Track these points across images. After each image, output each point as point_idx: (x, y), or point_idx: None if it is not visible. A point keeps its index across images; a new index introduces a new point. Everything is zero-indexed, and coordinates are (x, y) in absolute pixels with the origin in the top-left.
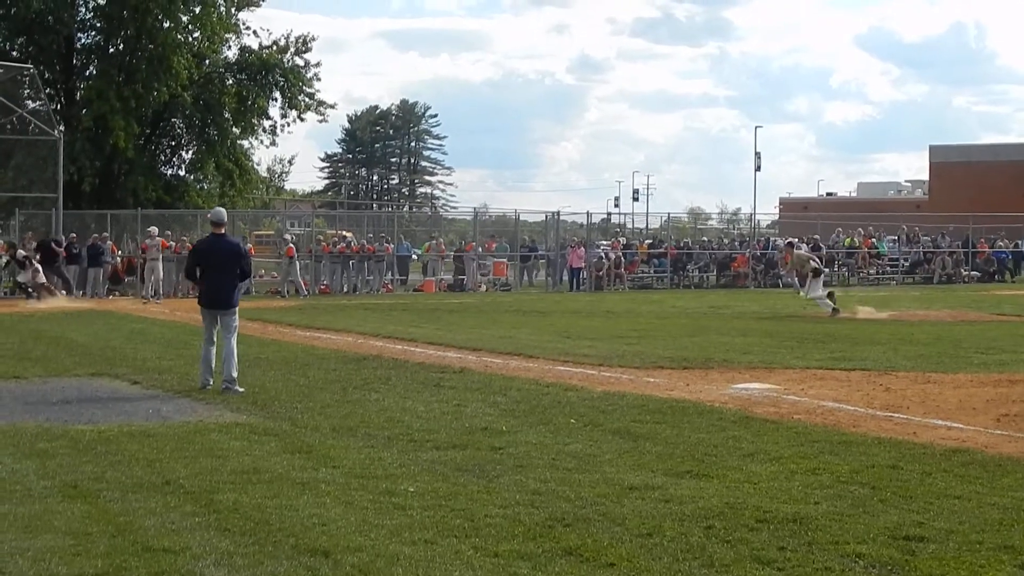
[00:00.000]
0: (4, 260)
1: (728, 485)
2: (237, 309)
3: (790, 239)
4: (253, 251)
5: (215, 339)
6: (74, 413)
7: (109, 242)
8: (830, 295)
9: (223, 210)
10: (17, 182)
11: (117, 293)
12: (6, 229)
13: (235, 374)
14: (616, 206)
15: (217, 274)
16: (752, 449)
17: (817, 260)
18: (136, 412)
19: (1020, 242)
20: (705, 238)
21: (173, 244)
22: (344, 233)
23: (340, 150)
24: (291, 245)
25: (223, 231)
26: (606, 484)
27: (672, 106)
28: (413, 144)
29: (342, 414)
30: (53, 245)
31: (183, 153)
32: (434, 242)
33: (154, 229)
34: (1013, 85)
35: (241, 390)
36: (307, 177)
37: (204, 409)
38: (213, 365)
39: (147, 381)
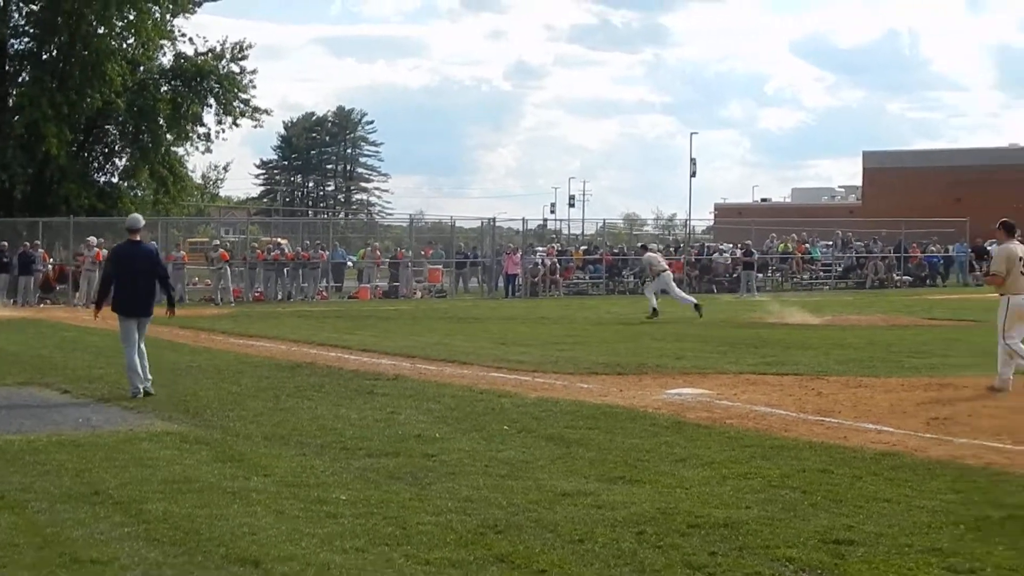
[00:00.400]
0: None
1: (660, 490)
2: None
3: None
4: (187, 258)
5: (136, 344)
6: (2, 422)
7: (41, 250)
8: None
9: (139, 216)
10: None
11: (48, 301)
12: None
13: (150, 378)
14: (552, 212)
15: (137, 281)
16: (684, 454)
17: (663, 264)
18: (66, 421)
19: (951, 247)
20: (640, 244)
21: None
22: (279, 240)
23: (276, 157)
24: (224, 251)
25: (139, 238)
26: (538, 490)
27: (608, 112)
28: (349, 151)
29: (274, 422)
30: None
31: (117, 160)
32: (369, 249)
33: (92, 239)
34: (945, 92)
35: (152, 391)
36: (242, 184)
37: (135, 418)
38: (140, 371)
39: (77, 390)
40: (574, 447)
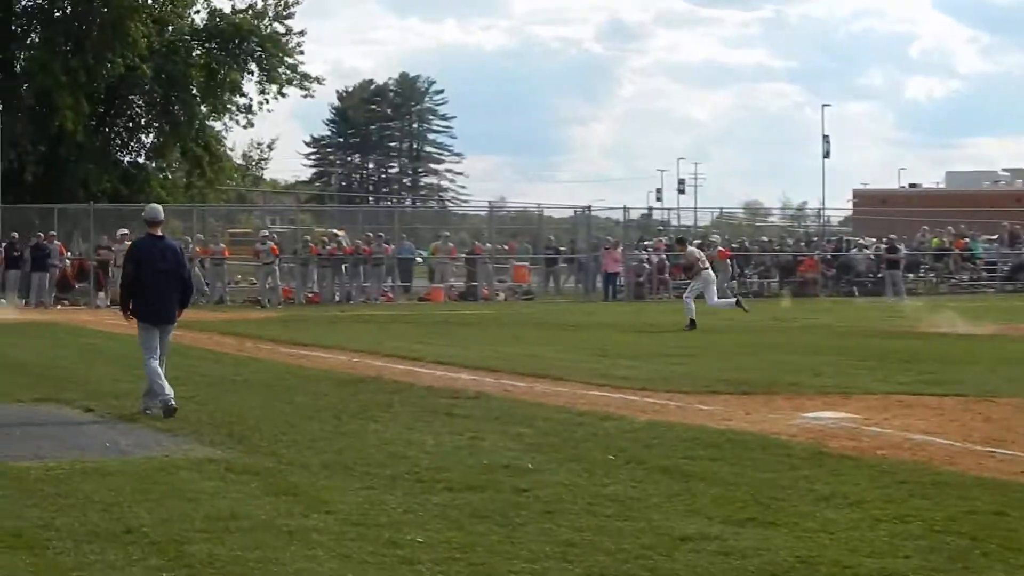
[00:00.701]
0: None
1: (799, 535)
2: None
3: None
4: (228, 252)
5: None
6: (16, 446)
7: (57, 242)
8: (738, 300)
9: (159, 207)
10: None
11: (66, 302)
12: None
13: (173, 392)
14: (658, 199)
15: (161, 283)
16: (827, 491)
17: (706, 261)
18: (90, 445)
19: None
20: (765, 237)
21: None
22: (335, 232)
23: (329, 133)
24: (273, 245)
25: (160, 232)
26: (652, 533)
27: (722, 80)
28: (415, 126)
29: (335, 448)
30: None
31: (143, 136)
32: (442, 242)
33: (125, 230)
34: None
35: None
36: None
37: (171, 441)
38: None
39: (103, 408)
40: (693, 481)
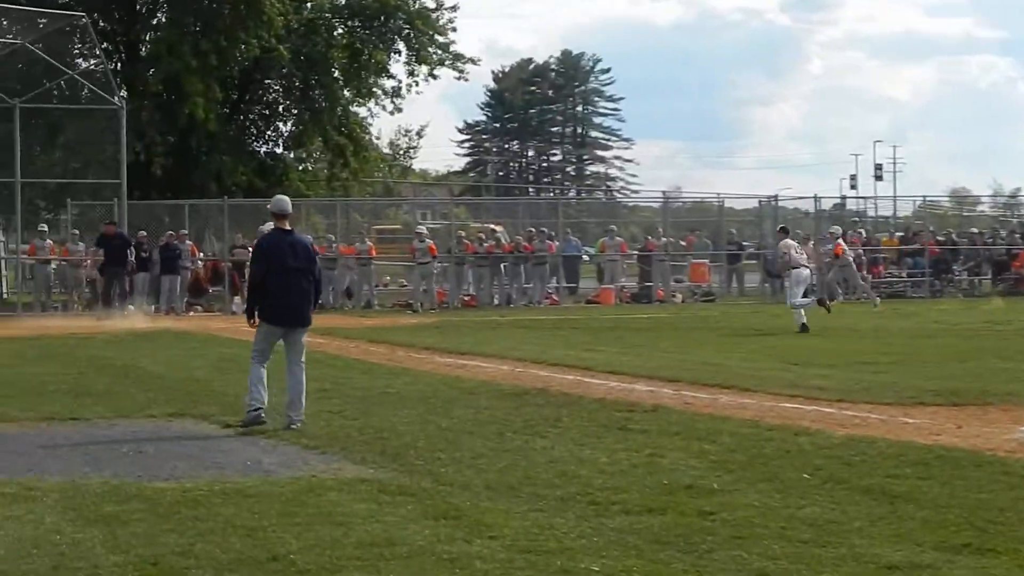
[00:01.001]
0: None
1: (1023, 563)
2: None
3: (782, 225)
4: (375, 251)
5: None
6: (150, 466)
7: (188, 242)
8: (820, 301)
9: (286, 198)
10: (67, 165)
11: (199, 308)
12: (54, 226)
13: (302, 411)
14: (852, 187)
15: (292, 282)
16: None
17: (798, 252)
18: (230, 464)
19: None
20: (975, 229)
21: None
22: (493, 227)
23: (484, 118)
24: (431, 243)
25: (289, 225)
26: (855, 561)
27: (923, 53)
28: (579, 109)
29: (499, 467)
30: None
31: (280, 125)
32: (611, 238)
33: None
34: None
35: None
36: (442, 153)
37: (318, 460)
38: (265, 391)
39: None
40: (900, 503)
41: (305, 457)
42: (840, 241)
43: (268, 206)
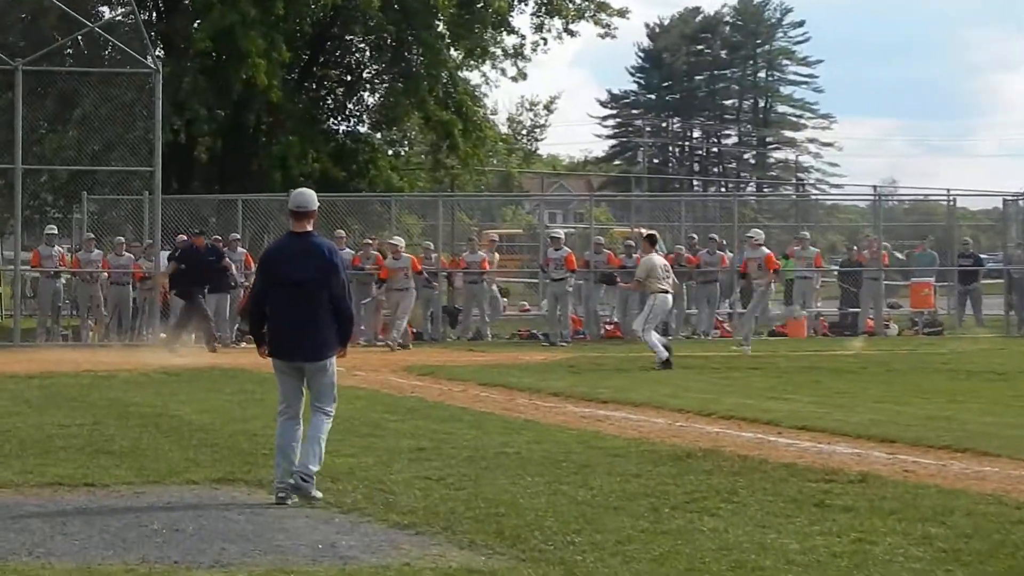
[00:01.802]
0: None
1: None
2: (333, 362)
3: (650, 231)
4: (488, 264)
5: (300, 414)
6: (189, 548)
7: (241, 249)
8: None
9: (307, 192)
10: (84, 147)
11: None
12: (65, 228)
13: (313, 469)
14: None
15: (293, 301)
16: None
17: (666, 272)
18: (295, 547)
19: None
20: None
21: (357, 254)
22: (644, 231)
23: (635, 87)
24: (568, 251)
25: (309, 227)
26: None
27: None
28: (763, 76)
29: (654, 554)
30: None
31: (365, 95)
32: (802, 247)
33: (342, 233)
34: None
35: (318, 495)
36: (579, 135)
37: (412, 542)
38: (295, 459)
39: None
40: None
41: (395, 539)
42: (770, 252)
43: (290, 201)
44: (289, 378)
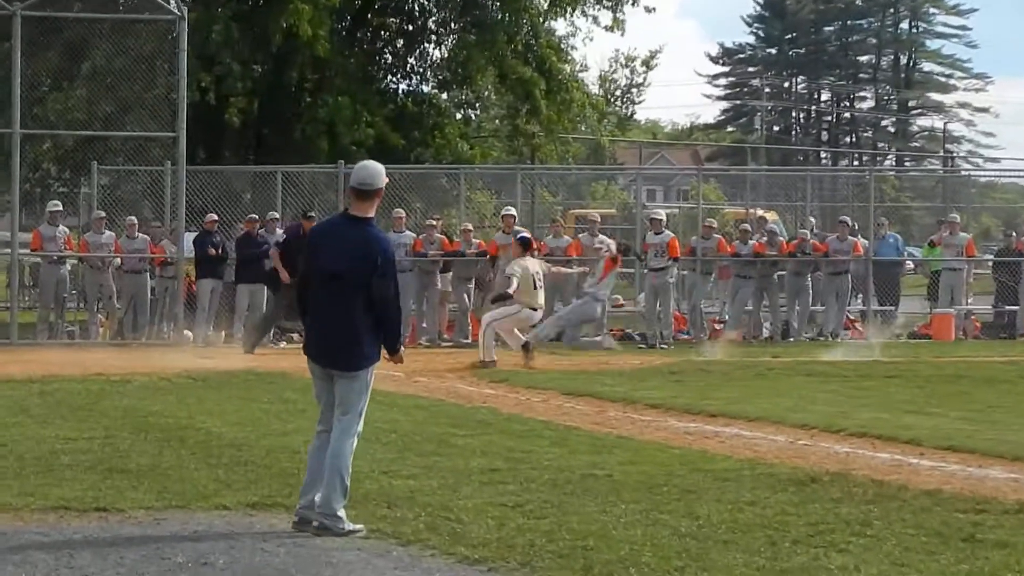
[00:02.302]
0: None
1: None
2: (369, 373)
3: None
4: (576, 250)
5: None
6: None
7: (280, 231)
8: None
9: (373, 165)
10: (97, 107)
11: (297, 336)
12: (71, 201)
13: (338, 505)
14: None
15: (324, 295)
16: None
17: (540, 283)
18: None
19: None
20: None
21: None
22: (762, 214)
23: (752, 41)
24: (671, 236)
25: (372, 211)
26: None
27: None
28: (905, 27)
29: None
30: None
31: (429, 48)
32: (949, 233)
33: (402, 213)
34: None
35: (357, 528)
36: (684, 96)
37: None
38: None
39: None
40: None
41: (460, 575)
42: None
43: (352, 178)
44: (322, 384)
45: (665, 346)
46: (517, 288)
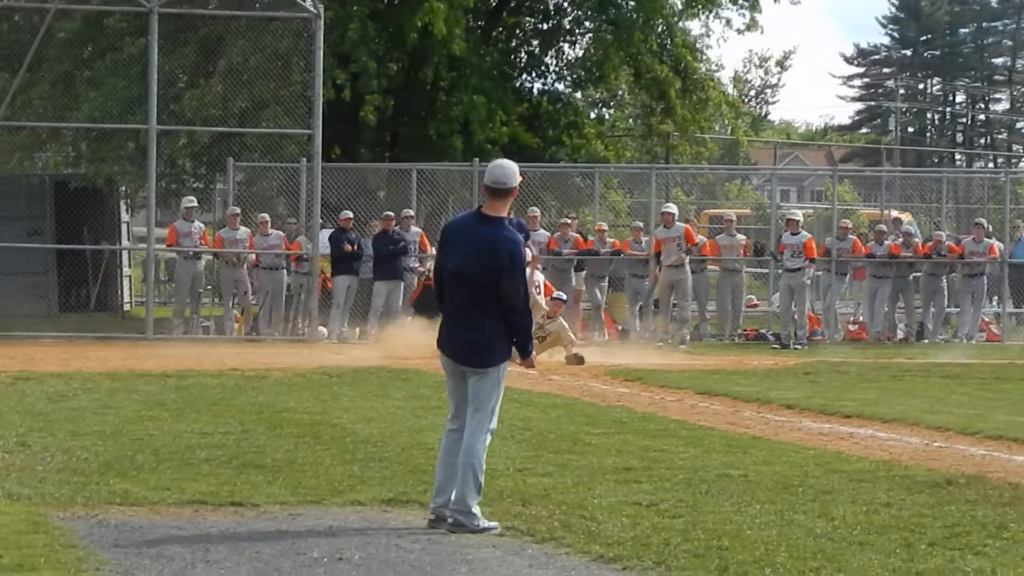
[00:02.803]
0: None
1: None
2: (501, 370)
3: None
4: (710, 249)
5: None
6: None
7: (415, 228)
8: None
9: (509, 165)
10: (232, 104)
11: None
12: (206, 196)
13: (472, 502)
14: None
15: (460, 293)
16: None
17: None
18: None
19: None
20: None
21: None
22: (898, 216)
23: (887, 41)
24: (808, 236)
25: (505, 210)
26: None
27: None
28: None
29: None
30: None
31: (564, 48)
32: None
33: (536, 211)
34: None
35: (492, 525)
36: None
37: None
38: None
39: (496, 516)
40: None
41: (597, 573)
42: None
43: (486, 175)
44: (453, 379)
45: (800, 346)
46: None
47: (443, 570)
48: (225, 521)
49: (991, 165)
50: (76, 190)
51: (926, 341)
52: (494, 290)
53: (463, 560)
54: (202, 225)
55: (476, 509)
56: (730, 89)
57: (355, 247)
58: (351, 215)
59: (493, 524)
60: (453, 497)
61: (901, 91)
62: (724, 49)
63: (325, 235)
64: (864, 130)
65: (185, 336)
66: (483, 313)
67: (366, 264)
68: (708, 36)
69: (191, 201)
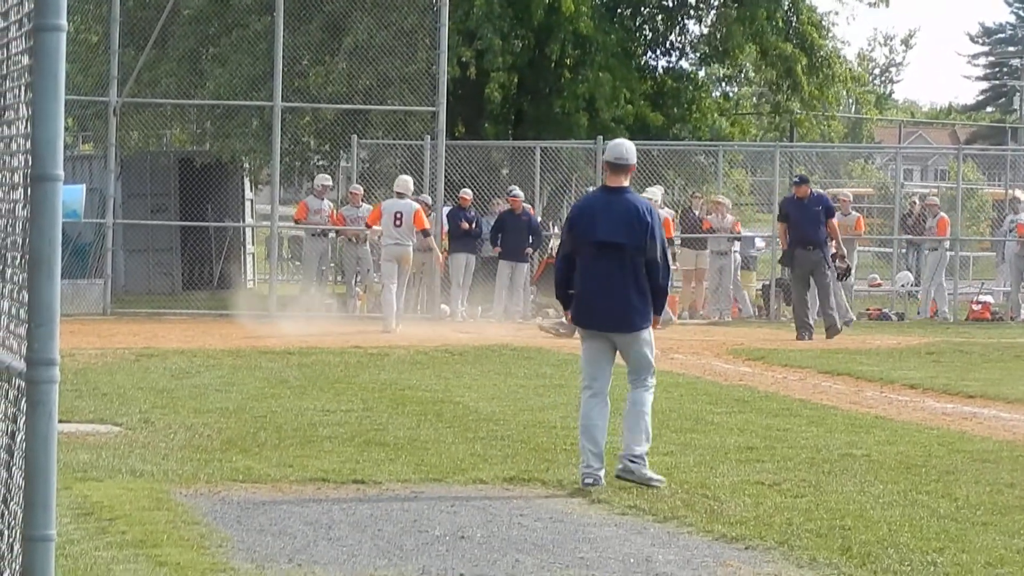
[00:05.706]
0: None
1: None
2: (648, 332)
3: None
4: (837, 229)
5: (607, 391)
6: (477, 559)
7: (528, 207)
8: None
9: (628, 144)
10: (357, 81)
11: (552, 311)
12: (331, 175)
13: (640, 449)
14: None
15: (598, 263)
16: None
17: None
18: (603, 561)
19: None
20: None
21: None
22: (1019, 195)
23: (1013, 20)
24: (943, 216)
25: (626, 182)
26: None
27: None
28: None
29: None
30: None
31: (689, 25)
32: None
33: (658, 191)
34: None
35: (659, 478)
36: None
37: (740, 557)
38: (603, 442)
39: (621, 497)
40: None
41: (720, 553)
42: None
43: (606, 153)
44: (596, 350)
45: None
46: None
47: (565, 548)
48: (347, 498)
49: None
50: (201, 167)
51: None
52: (641, 252)
53: (585, 539)
54: (331, 203)
55: (646, 458)
56: (856, 66)
57: (473, 225)
58: (470, 193)
59: (660, 477)
60: (624, 445)
61: None
62: (850, 28)
63: (446, 212)
64: (989, 109)
65: (308, 313)
66: (632, 278)
67: (487, 242)
68: (837, 14)
69: (326, 179)
